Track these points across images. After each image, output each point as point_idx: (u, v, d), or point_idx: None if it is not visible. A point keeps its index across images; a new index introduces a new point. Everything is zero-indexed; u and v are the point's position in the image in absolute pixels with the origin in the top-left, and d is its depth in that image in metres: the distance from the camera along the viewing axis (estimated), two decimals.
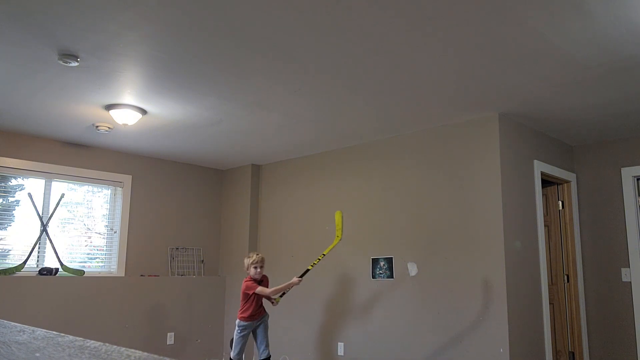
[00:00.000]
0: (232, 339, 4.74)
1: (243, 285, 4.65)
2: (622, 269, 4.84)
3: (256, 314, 4.67)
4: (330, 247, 4.68)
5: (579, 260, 5.08)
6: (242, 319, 4.63)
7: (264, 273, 4.70)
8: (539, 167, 4.70)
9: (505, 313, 4.03)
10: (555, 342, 5.02)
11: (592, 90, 3.79)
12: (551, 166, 4.88)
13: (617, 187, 4.97)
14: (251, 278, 4.62)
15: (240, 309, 4.67)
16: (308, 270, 4.65)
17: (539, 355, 4.33)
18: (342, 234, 4.67)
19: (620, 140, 5.03)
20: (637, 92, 3.83)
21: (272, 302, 4.74)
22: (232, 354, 4.69)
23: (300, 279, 4.56)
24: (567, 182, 5.17)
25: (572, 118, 4.45)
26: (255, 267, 4.59)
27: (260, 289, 4.56)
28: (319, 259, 4.69)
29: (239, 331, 4.65)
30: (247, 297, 4.62)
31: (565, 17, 2.72)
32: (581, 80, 3.59)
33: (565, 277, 5.10)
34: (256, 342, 4.77)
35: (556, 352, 4.99)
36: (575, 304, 5.01)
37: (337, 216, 4.70)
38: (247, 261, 4.67)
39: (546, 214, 5.25)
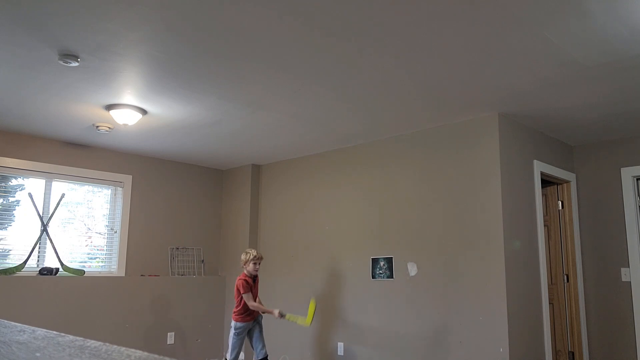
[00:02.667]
0: (230, 344, 4.66)
1: (238, 282, 4.62)
2: (621, 269, 4.85)
3: (252, 314, 4.66)
4: (299, 321, 4.62)
5: (579, 260, 5.08)
6: (238, 320, 4.62)
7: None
8: (539, 167, 4.70)
9: (505, 313, 4.03)
10: (555, 342, 5.02)
11: (592, 90, 3.79)
12: (551, 166, 4.88)
13: (617, 187, 4.97)
14: (246, 276, 4.63)
15: (237, 308, 4.65)
16: (289, 319, 4.64)
17: (538, 355, 4.34)
18: (310, 321, 4.64)
19: (620, 140, 5.03)
20: (637, 92, 3.83)
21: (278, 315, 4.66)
22: (228, 356, 4.63)
23: (281, 316, 4.58)
24: (567, 182, 5.18)
25: (572, 118, 4.45)
26: (255, 263, 4.64)
27: (247, 297, 4.56)
28: (296, 321, 4.67)
29: (235, 333, 4.61)
30: (240, 294, 4.61)
31: (565, 17, 2.72)
32: (581, 80, 3.60)
33: (565, 277, 5.11)
34: (252, 342, 4.74)
35: (556, 352, 5.00)
36: (574, 303, 5.01)
37: (311, 305, 4.70)
38: (245, 257, 4.67)
39: (546, 214, 5.25)
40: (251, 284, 4.64)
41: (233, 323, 4.64)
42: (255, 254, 4.67)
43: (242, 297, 4.60)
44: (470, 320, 4.25)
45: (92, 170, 5.58)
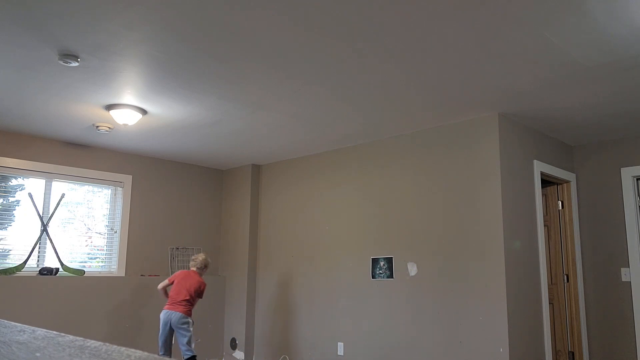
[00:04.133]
0: (190, 338, 4.84)
1: (204, 286, 5.03)
2: (621, 268, 4.85)
3: None
4: None
5: (579, 260, 5.08)
6: (191, 315, 4.93)
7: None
8: (539, 167, 4.70)
9: (505, 313, 4.03)
10: (555, 342, 5.02)
11: (592, 90, 3.79)
12: (551, 166, 4.88)
13: (617, 187, 4.97)
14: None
15: (193, 306, 4.95)
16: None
17: (538, 355, 4.34)
18: None
19: (620, 140, 5.03)
20: (637, 92, 3.83)
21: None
22: (192, 352, 4.81)
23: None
24: (567, 182, 5.18)
25: (572, 118, 4.45)
26: None
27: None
28: None
29: (191, 327, 4.89)
30: (201, 297, 5.04)
31: (565, 17, 2.72)
32: (581, 80, 3.60)
33: (565, 277, 5.11)
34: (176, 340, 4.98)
35: (556, 352, 5.00)
36: (575, 303, 5.01)
37: None
38: (208, 263, 5.18)
39: (546, 214, 5.25)
40: None
41: (190, 319, 4.88)
42: None
43: (199, 298, 5.00)
44: (470, 320, 4.25)
45: (92, 170, 5.58)
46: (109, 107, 4.25)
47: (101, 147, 5.63)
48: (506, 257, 4.12)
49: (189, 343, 4.78)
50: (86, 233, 5.63)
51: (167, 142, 5.40)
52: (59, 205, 5.37)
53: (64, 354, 0.65)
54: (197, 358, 4.83)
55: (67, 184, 5.48)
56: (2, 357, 0.64)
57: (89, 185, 5.65)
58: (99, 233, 5.73)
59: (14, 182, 5.19)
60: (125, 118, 4.30)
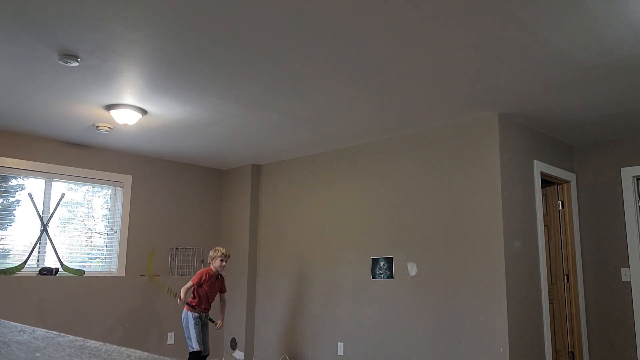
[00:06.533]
0: (190, 333, 4.70)
1: (197, 274, 4.85)
2: (621, 269, 4.84)
3: (203, 305, 4.86)
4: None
5: (579, 260, 5.08)
6: (191, 310, 4.76)
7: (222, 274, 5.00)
8: (539, 167, 4.70)
9: (505, 313, 4.03)
10: (555, 342, 5.02)
11: (592, 90, 3.79)
12: (551, 166, 4.88)
13: (617, 187, 4.97)
14: (210, 270, 4.87)
15: (194, 297, 4.81)
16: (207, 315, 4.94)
17: (538, 355, 4.34)
18: (151, 273, 5.20)
19: (620, 140, 5.03)
20: (637, 92, 3.83)
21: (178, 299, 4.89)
22: (195, 346, 4.67)
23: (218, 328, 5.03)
24: (567, 182, 5.18)
25: (572, 118, 4.45)
26: (222, 260, 4.86)
27: (189, 286, 4.78)
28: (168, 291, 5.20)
29: (194, 322, 4.73)
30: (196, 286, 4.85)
31: (565, 17, 2.72)
32: (581, 80, 3.60)
33: (565, 277, 5.11)
34: (203, 337, 4.83)
35: (556, 352, 5.00)
36: (575, 303, 5.01)
37: (149, 257, 5.17)
38: (214, 253, 4.91)
39: (546, 214, 5.25)
40: (208, 279, 4.84)
41: (191, 313, 4.73)
42: (223, 251, 4.89)
43: (199, 289, 4.81)
44: (470, 320, 4.25)
45: (92, 170, 5.58)
46: (109, 107, 4.25)
47: (101, 147, 5.63)
48: (506, 257, 4.12)
49: (189, 338, 4.71)
50: (86, 233, 5.63)
51: (167, 142, 5.40)
52: (59, 205, 5.37)
53: (64, 354, 0.65)
54: (195, 354, 4.70)
55: (67, 184, 5.48)
56: (2, 357, 0.64)
57: (89, 185, 5.65)
58: (99, 233, 5.72)
59: (14, 182, 5.19)
60: (125, 118, 4.30)
